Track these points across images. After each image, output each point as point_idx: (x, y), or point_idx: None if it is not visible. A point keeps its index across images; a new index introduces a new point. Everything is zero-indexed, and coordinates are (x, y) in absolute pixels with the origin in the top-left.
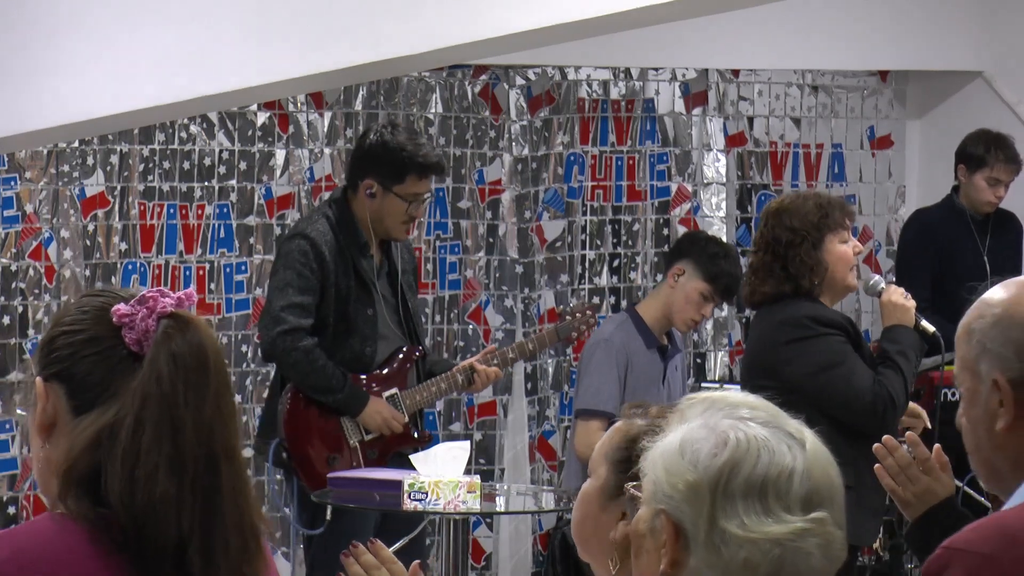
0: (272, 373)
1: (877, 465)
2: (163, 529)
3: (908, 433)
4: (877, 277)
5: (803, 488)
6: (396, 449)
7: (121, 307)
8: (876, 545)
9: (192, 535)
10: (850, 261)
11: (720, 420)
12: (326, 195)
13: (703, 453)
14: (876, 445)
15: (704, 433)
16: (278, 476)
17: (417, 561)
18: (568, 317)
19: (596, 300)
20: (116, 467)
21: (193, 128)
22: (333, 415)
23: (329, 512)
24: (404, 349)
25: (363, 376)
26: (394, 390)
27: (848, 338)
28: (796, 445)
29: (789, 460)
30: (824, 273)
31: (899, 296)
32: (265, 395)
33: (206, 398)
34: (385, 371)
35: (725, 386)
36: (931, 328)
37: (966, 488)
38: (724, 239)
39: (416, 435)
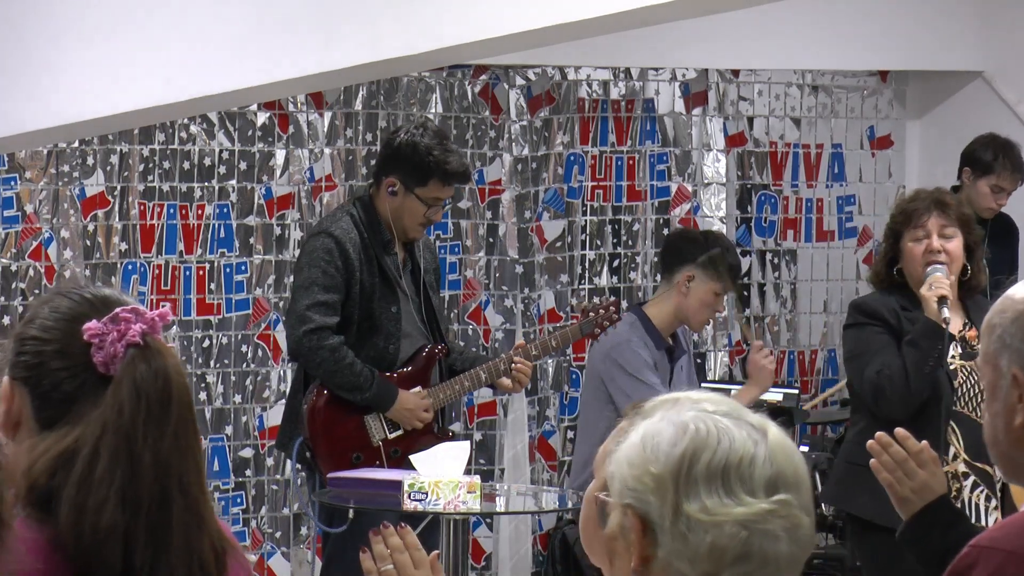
0: (271, 372)
1: (872, 461)
2: (108, 561)
3: (897, 429)
4: (930, 268)
5: (766, 472)
6: (419, 446)
7: (92, 325)
8: None
9: (142, 570)
10: (917, 258)
11: (682, 412)
12: (326, 195)
13: (664, 443)
14: (870, 442)
15: (664, 425)
16: (300, 474)
17: (436, 552)
18: (591, 314)
19: (596, 300)
20: (70, 494)
21: (193, 128)
22: (356, 413)
23: (351, 511)
24: (427, 347)
25: (387, 374)
26: (417, 388)
27: (887, 329)
28: (757, 433)
29: (751, 446)
30: (905, 266)
31: (926, 287)
32: (264, 395)
33: (165, 433)
34: (408, 369)
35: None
36: (943, 316)
37: None
38: None
39: (438, 432)
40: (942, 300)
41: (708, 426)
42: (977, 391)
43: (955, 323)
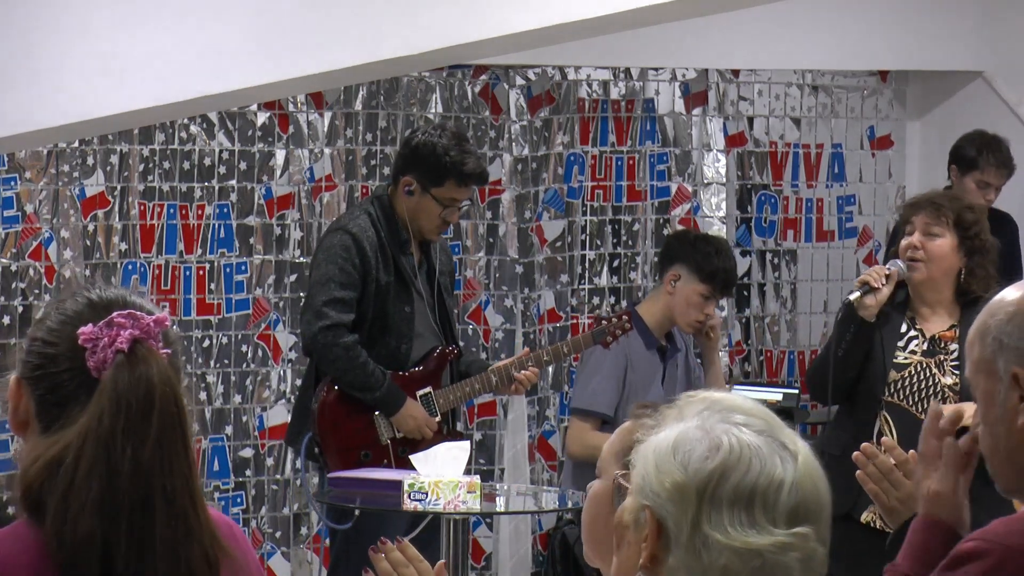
0: (271, 372)
1: (859, 472)
2: (89, 570)
3: (884, 438)
4: (890, 263)
5: (791, 500)
6: (428, 446)
7: (87, 330)
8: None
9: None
10: (901, 254)
11: (716, 424)
12: (326, 195)
13: (695, 456)
14: (855, 453)
15: (699, 435)
16: (303, 472)
17: (442, 561)
18: (604, 322)
19: (596, 300)
20: (53, 503)
21: (193, 128)
22: (366, 411)
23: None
24: (439, 349)
25: (399, 373)
26: (428, 389)
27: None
28: (789, 457)
29: (780, 471)
30: None
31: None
32: (264, 395)
33: (146, 440)
34: (419, 369)
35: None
36: (851, 296)
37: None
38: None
39: (447, 433)
40: (863, 285)
41: (741, 444)
42: (924, 387)
43: (939, 324)
